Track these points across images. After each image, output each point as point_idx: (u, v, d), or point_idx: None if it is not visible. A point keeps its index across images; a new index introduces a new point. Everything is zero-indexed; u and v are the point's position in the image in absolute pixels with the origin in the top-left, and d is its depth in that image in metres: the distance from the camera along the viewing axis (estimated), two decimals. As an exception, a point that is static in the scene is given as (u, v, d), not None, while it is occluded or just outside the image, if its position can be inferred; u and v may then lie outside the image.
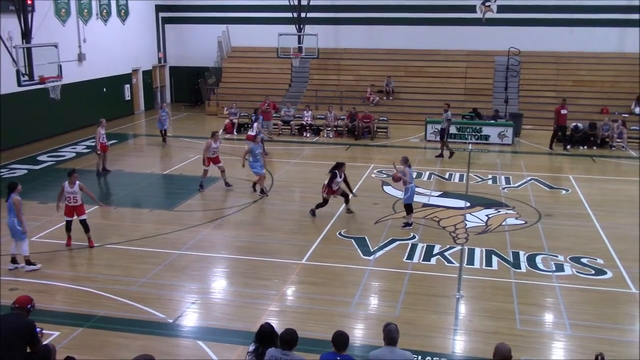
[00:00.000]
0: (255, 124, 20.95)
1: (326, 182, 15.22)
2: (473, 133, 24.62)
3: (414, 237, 13.96)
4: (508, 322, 10.22)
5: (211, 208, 16.16)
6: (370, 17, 31.11)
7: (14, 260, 12.20)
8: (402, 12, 30.69)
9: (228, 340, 9.57)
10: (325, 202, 15.29)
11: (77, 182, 13.08)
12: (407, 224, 14.59)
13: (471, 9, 29.98)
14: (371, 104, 28.50)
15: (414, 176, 19.26)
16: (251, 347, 6.90)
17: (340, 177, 15.16)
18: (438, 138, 22.62)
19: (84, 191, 13.19)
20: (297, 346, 6.63)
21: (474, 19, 30.03)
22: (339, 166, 15.20)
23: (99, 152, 19.40)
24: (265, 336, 6.83)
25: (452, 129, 24.58)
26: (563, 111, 22.84)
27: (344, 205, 15.67)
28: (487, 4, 29.95)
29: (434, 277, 12.02)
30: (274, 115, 26.96)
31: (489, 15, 30.00)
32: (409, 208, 14.63)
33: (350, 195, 15.53)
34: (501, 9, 29.75)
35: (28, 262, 12.10)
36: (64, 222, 13.45)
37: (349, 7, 31.17)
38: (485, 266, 12.49)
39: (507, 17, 29.53)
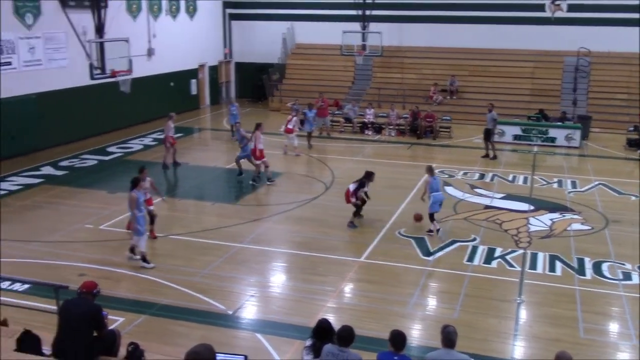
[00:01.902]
0: (294, 118, 21.41)
1: (352, 189, 14.65)
2: (539, 135, 24.02)
3: (475, 239, 13.76)
4: (570, 330, 9.95)
5: (272, 203, 16.35)
6: (435, 15, 30.73)
7: (132, 250, 12.31)
8: (467, 11, 30.21)
9: (285, 334, 9.68)
10: (358, 208, 14.81)
11: (148, 177, 13.37)
12: (430, 231, 14.06)
13: (540, 7, 29.13)
14: (434, 103, 28.19)
15: (477, 177, 19.06)
16: (308, 342, 6.96)
17: (367, 187, 14.77)
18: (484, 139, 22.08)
19: (152, 187, 13.52)
20: (353, 343, 6.65)
21: (542, 18, 29.19)
22: (369, 176, 14.81)
23: (167, 145, 19.86)
24: (322, 332, 6.89)
25: (517, 130, 24.15)
26: None
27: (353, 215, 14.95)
28: (557, 2, 29.06)
29: (495, 280, 11.82)
30: (336, 112, 27.08)
31: (558, 14, 29.10)
32: (431, 217, 14.07)
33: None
34: (572, 8, 28.80)
35: (143, 259, 12.17)
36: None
37: (413, 5, 30.88)
38: (549, 271, 12.19)
39: (578, 17, 28.60)
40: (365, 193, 14.90)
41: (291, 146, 21.32)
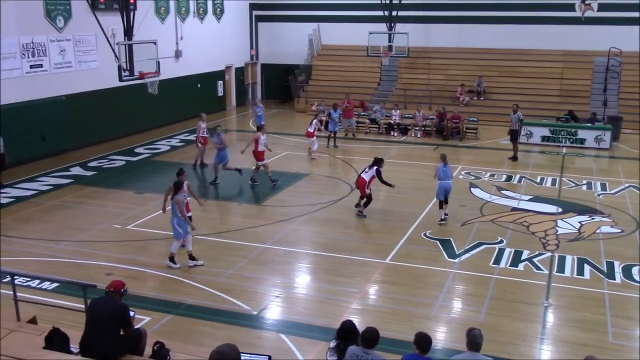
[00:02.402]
0: (315, 121, 21.50)
1: (367, 178, 15.08)
2: (568, 136, 23.71)
3: (501, 242, 13.63)
4: (599, 335, 9.80)
5: (297, 204, 16.38)
6: (462, 15, 30.52)
7: (191, 257, 12.26)
8: (495, 11, 29.93)
9: (310, 335, 9.69)
10: (369, 199, 15.24)
11: (186, 181, 13.33)
12: (441, 219, 14.78)
13: (569, 7, 28.82)
14: (461, 104, 27.99)
15: (504, 179, 18.87)
16: (332, 344, 6.96)
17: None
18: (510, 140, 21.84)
19: (190, 191, 13.53)
20: (377, 345, 6.63)
21: (572, 17, 28.85)
22: (379, 162, 15.31)
23: (198, 145, 20.01)
24: (346, 333, 6.88)
25: (546, 132, 23.87)
26: None
27: (361, 202, 15.54)
28: (587, 2, 28.72)
29: (522, 283, 11.69)
30: (362, 113, 27.05)
31: (589, 13, 28.75)
32: (440, 204, 14.90)
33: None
34: (602, 7, 28.43)
35: (191, 257, 12.21)
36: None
37: (440, 5, 30.72)
38: (577, 275, 12.02)
39: (609, 16, 28.17)
40: (386, 182, 15.27)
41: (310, 149, 21.28)
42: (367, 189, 15.09)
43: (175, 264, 12.19)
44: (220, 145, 18.20)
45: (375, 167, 15.19)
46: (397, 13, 28.84)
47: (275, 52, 34.62)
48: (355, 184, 15.96)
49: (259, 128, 18.33)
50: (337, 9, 32.56)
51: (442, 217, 14.80)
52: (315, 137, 21.38)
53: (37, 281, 11.27)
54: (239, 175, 18.31)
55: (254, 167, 18.21)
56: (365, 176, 15.15)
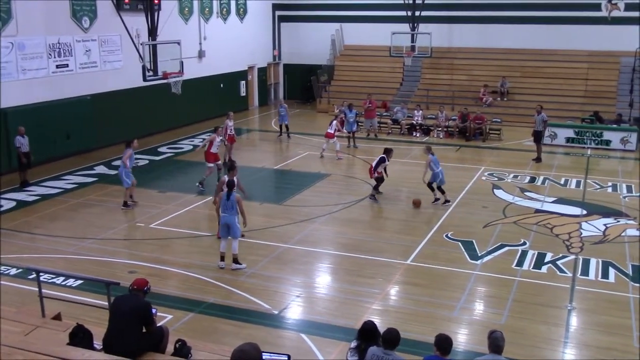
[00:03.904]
0: (334, 122, 21.48)
1: (373, 164, 16.54)
2: (593, 137, 23.42)
3: (524, 244, 13.51)
4: (623, 339, 9.65)
5: (318, 204, 16.39)
6: (485, 15, 30.30)
7: (235, 261, 12.18)
8: (519, 11, 29.66)
9: (330, 336, 9.69)
10: (378, 181, 16.44)
11: (236, 177, 13.33)
12: (446, 201, 16.08)
13: (595, 7, 28.45)
14: (484, 105, 27.79)
15: (527, 180, 18.70)
16: (353, 344, 6.95)
17: (388, 160, 16.47)
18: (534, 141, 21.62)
19: (238, 185, 13.62)
20: (398, 346, 6.61)
21: (597, 17, 28.49)
22: (388, 152, 16.54)
23: (226, 143, 20.12)
24: (367, 334, 6.87)
25: (570, 133, 23.62)
26: None
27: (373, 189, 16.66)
28: (613, 2, 28.33)
29: (545, 286, 11.57)
30: (384, 114, 26.98)
31: (615, 13, 28.37)
32: (429, 185, 16.14)
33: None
34: (629, 7, 28.03)
35: (235, 261, 12.17)
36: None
37: (463, 5, 30.53)
38: (601, 278, 11.87)
39: (635, 16, 27.74)
40: (385, 169, 16.53)
41: (333, 149, 21.23)
42: (375, 172, 16.33)
43: (241, 264, 12.17)
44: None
45: (381, 156, 16.46)
46: (420, 13, 28.71)
47: (298, 52, 34.68)
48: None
49: (215, 130, 17.98)
50: (360, 9, 32.52)
51: (447, 199, 16.11)
52: (336, 138, 21.36)
53: (62, 278, 11.42)
54: (260, 174, 18.33)
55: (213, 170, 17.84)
56: (374, 163, 16.67)
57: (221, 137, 17.91)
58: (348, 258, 12.86)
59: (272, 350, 7.14)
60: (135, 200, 16.13)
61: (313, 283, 11.87)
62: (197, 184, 17.51)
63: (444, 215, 15.36)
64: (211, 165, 17.52)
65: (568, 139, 23.62)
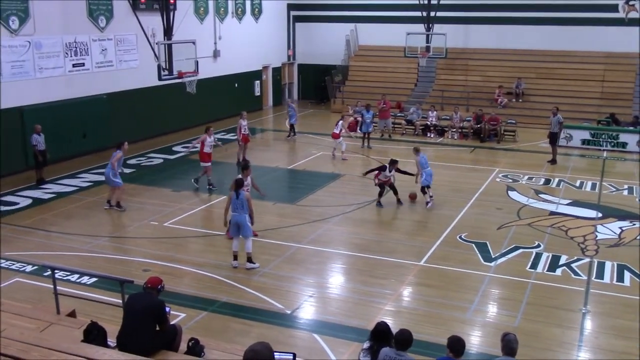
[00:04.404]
0: (340, 122, 21.39)
1: (374, 169, 16.72)
2: (609, 140, 23.23)
3: (539, 246, 13.42)
4: (638, 343, 9.56)
5: (331, 204, 16.39)
6: (501, 16, 30.12)
7: (250, 260, 12.24)
8: (535, 12, 29.45)
9: (343, 336, 9.69)
10: (382, 188, 16.25)
11: (250, 176, 13.45)
12: (428, 202, 16.07)
13: (612, 8, 28.20)
14: (499, 106, 27.66)
15: (542, 182, 18.59)
16: (366, 345, 6.95)
17: (390, 172, 16.20)
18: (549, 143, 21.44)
19: (253, 184, 13.64)
20: (411, 347, 6.59)
21: (614, 18, 28.24)
22: (393, 163, 16.33)
23: (240, 142, 20.15)
24: (380, 334, 6.86)
25: (586, 135, 23.44)
26: None
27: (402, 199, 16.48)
28: (631, 3, 28.06)
29: (559, 289, 11.49)
30: (399, 114, 26.92)
31: (632, 14, 28.10)
32: (423, 189, 16.21)
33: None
34: (647, 8, 27.78)
35: (249, 260, 12.21)
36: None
37: (479, 6, 30.36)
38: (616, 281, 11.77)
39: (654, 17, 27.51)
40: (392, 178, 16.38)
41: (339, 150, 21.19)
42: (376, 179, 16.30)
43: (255, 264, 12.21)
44: None
45: (382, 165, 16.60)
46: (435, 14, 28.59)
47: (312, 53, 34.69)
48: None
49: (206, 130, 17.91)
50: (375, 9, 32.47)
51: (429, 201, 16.08)
52: (342, 138, 21.28)
53: (77, 275, 11.51)
54: (273, 174, 18.36)
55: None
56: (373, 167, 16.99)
57: (213, 137, 17.80)
58: (361, 258, 12.85)
59: (282, 350, 7.15)
60: (113, 205, 15.88)
61: (326, 283, 11.87)
62: (193, 180, 17.66)
63: (458, 217, 15.30)
64: (206, 164, 17.54)
65: (584, 141, 23.45)
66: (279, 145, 24.48)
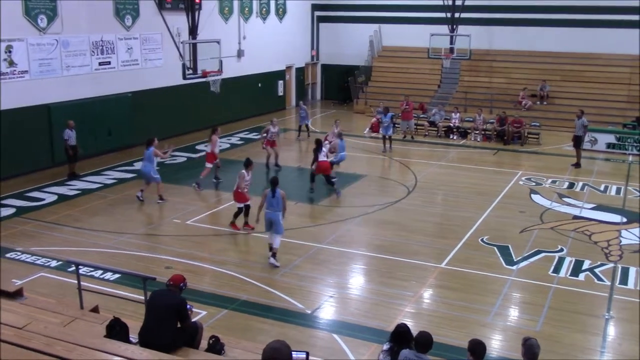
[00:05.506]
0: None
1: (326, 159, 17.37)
2: (635, 144, 22.91)
3: (561, 250, 13.30)
4: (663, 350, 9.45)
5: (353, 205, 16.39)
6: (526, 18, 29.85)
7: (274, 255, 12.31)
8: (560, 13, 29.12)
9: (362, 337, 9.69)
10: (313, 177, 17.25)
11: (250, 171, 13.81)
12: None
13: (639, 10, 27.77)
14: (523, 109, 27.42)
15: (566, 186, 18.40)
16: (385, 346, 6.94)
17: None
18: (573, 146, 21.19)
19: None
20: (431, 350, 6.58)
21: (642, 21, 27.84)
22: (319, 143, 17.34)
23: (264, 146, 19.95)
24: (400, 336, 6.85)
25: (611, 138, 23.15)
26: None
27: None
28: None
29: (582, 294, 11.37)
30: (421, 116, 26.82)
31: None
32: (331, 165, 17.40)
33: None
34: (676, 10, 27.31)
35: (274, 255, 12.27)
36: (238, 208, 14.37)
37: (503, 7, 30.09)
38: (640, 287, 11.63)
39: (683, 19, 27.04)
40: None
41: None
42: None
43: (277, 262, 12.27)
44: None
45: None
46: (459, 15, 28.42)
47: (336, 53, 34.69)
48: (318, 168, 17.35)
49: (214, 130, 17.96)
50: (399, 10, 32.36)
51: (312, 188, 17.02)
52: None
53: (100, 271, 11.67)
54: (295, 174, 18.40)
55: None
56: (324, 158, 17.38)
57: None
58: (382, 259, 12.84)
59: (305, 350, 7.17)
60: (165, 199, 16.37)
61: (346, 284, 11.88)
62: (194, 184, 17.68)
63: (480, 219, 15.21)
64: (209, 165, 17.67)
65: (609, 145, 23.16)
66: (302, 145, 24.51)
